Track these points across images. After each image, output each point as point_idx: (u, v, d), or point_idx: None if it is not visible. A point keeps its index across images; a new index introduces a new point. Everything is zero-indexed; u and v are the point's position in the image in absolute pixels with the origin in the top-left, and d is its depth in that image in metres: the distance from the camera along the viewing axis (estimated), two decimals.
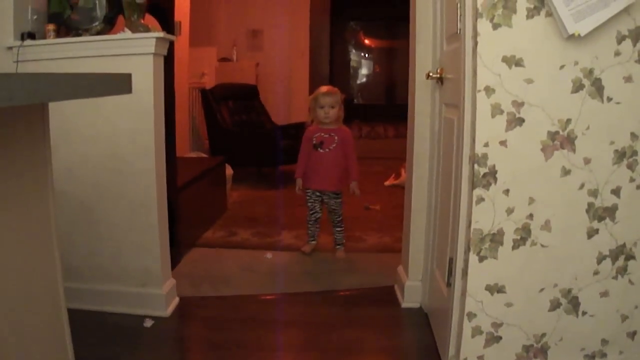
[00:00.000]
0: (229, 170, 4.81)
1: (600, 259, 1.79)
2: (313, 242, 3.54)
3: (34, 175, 1.42)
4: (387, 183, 5.61)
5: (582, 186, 1.74)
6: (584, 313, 1.83)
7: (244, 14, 7.86)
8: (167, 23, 3.18)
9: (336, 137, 3.40)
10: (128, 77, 1.36)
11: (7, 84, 0.89)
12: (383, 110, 8.94)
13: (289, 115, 7.21)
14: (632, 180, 1.73)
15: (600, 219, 1.76)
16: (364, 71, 10.44)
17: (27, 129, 1.39)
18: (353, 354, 2.31)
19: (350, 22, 10.10)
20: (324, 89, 3.45)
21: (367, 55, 10.37)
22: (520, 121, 1.70)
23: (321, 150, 3.41)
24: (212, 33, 7.61)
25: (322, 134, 3.41)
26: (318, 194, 3.49)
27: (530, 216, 1.76)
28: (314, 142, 3.42)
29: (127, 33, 2.41)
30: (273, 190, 5.35)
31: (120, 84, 1.32)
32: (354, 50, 10.33)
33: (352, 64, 10.34)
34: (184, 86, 5.73)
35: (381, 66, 10.21)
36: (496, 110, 1.70)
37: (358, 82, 10.41)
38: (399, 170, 5.52)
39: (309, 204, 3.52)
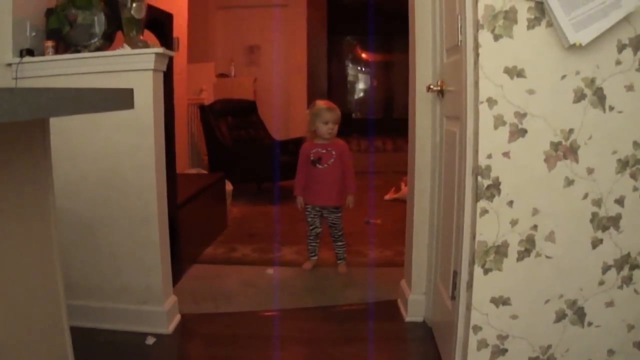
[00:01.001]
0: (228, 186, 4.79)
1: (605, 269, 1.78)
2: (314, 257, 3.52)
3: (35, 191, 1.41)
4: (387, 197, 5.59)
5: (585, 196, 1.73)
6: (589, 324, 1.81)
7: (241, 29, 7.90)
8: (166, 39, 3.19)
9: (334, 152, 3.38)
10: (130, 92, 1.35)
11: (10, 98, 0.88)
12: (381, 124, 8.94)
13: (288, 130, 7.21)
14: (635, 189, 1.73)
15: (605, 228, 1.75)
16: (361, 85, 10.48)
17: (28, 145, 1.38)
18: None
19: (347, 37, 10.14)
20: (324, 104, 3.42)
21: (364, 69, 10.41)
22: (523, 132, 1.70)
23: (320, 167, 3.39)
24: (209, 49, 7.64)
25: (320, 150, 3.40)
26: (318, 209, 3.47)
27: (535, 227, 1.75)
28: (312, 158, 3.40)
29: (126, 49, 2.41)
30: (273, 206, 5.34)
31: (122, 99, 1.31)
32: (351, 65, 10.38)
33: (350, 78, 10.38)
34: (183, 102, 5.74)
35: (379, 80, 10.24)
36: (499, 121, 1.70)
37: (356, 96, 10.44)
38: (399, 184, 5.51)
39: (309, 220, 3.50)
